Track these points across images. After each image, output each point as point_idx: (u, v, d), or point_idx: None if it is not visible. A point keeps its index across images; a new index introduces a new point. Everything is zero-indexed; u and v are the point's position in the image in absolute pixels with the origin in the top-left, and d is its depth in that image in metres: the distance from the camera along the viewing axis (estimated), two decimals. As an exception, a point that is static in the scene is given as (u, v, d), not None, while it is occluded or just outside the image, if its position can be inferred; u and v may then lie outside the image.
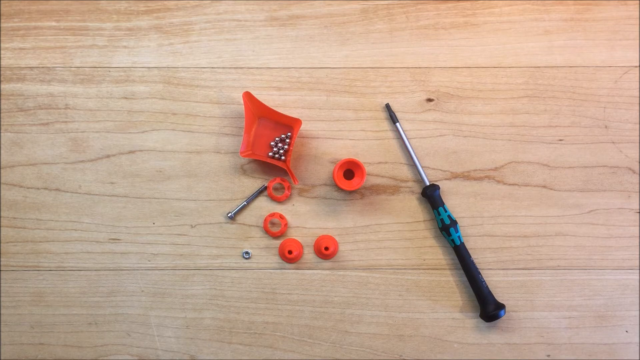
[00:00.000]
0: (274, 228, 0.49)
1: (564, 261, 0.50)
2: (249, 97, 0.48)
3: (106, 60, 0.51)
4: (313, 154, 0.50)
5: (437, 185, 0.49)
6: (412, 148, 0.49)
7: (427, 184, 0.49)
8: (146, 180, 0.50)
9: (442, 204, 0.48)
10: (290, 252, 0.48)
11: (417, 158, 0.49)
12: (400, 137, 0.50)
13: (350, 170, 0.49)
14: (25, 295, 0.50)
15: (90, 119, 0.51)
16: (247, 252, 0.49)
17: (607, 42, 0.51)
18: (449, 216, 0.48)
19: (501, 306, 0.47)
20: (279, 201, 0.50)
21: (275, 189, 0.50)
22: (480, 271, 0.48)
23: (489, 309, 0.47)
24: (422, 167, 0.49)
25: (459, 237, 0.48)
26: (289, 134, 0.50)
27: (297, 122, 0.48)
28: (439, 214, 0.48)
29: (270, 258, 0.50)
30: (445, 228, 0.48)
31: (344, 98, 0.51)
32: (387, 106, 0.50)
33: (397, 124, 0.49)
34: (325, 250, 0.48)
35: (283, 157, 0.49)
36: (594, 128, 0.50)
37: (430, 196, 0.48)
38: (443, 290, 0.50)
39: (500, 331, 0.50)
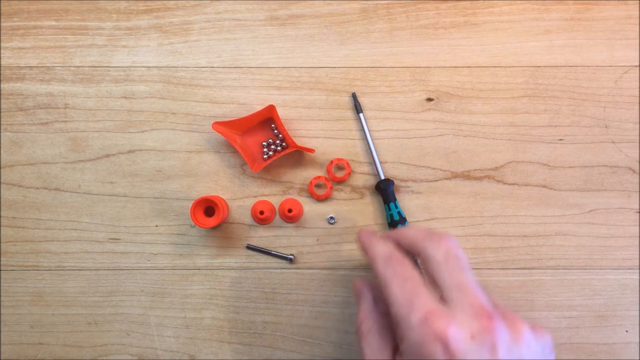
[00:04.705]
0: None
1: (564, 261, 0.50)
2: (218, 126, 0.48)
3: (106, 59, 0.51)
4: (313, 154, 0.50)
5: (392, 181, 0.49)
6: (372, 140, 0.50)
7: (382, 177, 0.49)
8: (146, 179, 0.50)
9: (394, 199, 0.48)
10: (261, 212, 0.48)
11: (375, 150, 0.49)
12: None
13: (210, 207, 0.49)
14: (25, 295, 0.50)
15: (89, 119, 0.51)
16: (332, 217, 0.49)
17: (607, 41, 0.51)
18: (399, 212, 0.48)
19: None
20: (319, 199, 0.50)
21: (318, 186, 0.50)
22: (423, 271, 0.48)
23: None
24: (380, 161, 0.49)
25: None
26: (273, 125, 0.50)
27: (270, 109, 0.48)
28: (389, 210, 0.48)
29: (270, 257, 0.50)
30: (394, 224, 0.48)
31: (343, 98, 0.51)
32: (353, 95, 0.50)
33: (361, 114, 0.49)
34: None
35: (284, 144, 0.50)
36: (594, 128, 0.50)
37: (384, 190, 0.48)
38: (443, 290, 0.50)
39: (500, 331, 0.49)
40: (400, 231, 0.39)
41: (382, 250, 0.37)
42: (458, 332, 0.30)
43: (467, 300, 0.32)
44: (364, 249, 0.38)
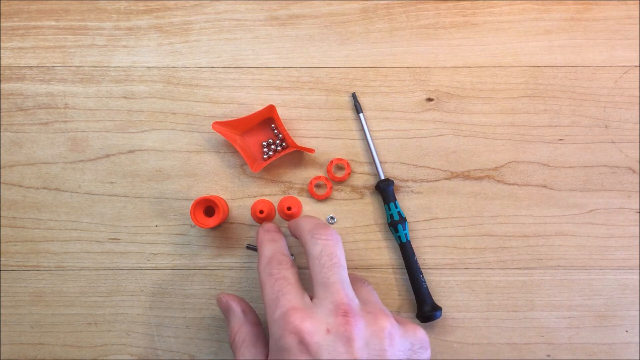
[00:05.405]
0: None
1: (564, 261, 0.50)
2: (218, 126, 0.48)
3: (106, 59, 0.51)
4: (313, 154, 0.50)
5: (392, 181, 0.49)
6: (372, 140, 0.50)
7: (382, 177, 0.49)
8: (146, 179, 0.50)
9: (394, 199, 0.48)
10: (261, 211, 0.48)
11: (375, 150, 0.50)
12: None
13: (210, 207, 0.49)
14: (25, 295, 0.50)
15: (89, 119, 0.51)
16: (332, 217, 0.49)
17: (607, 41, 0.51)
18: (399, 212, 0.48)
19: (437, 308, 0.48)
20: (319, 199, 0.50)
21: (318, 186, 0.50)
22: (423, 271, 0.48)
23: (425, 309, 0.48)
24: (380, 161, 0.49)
25: (405, 234, 0.48)
26: (273, 125, 0.50)
27: (270, 109, 0.48)
28: (389, 209, 0.48)
29: (270, 258, 0.50)
30: (394, 224, 0.48)
31: (343, 98, 0.51)
32: (353, 95, 0.50)
33: (361, 114, 0.49)
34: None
35: (284, 144, 0.50)
36: (594, 128, 0.50)
37: (384, 190, 0.49)
38: (443, 290, 0.50)
39: (500, 331, 0.50)
40: (295, 222, 0.41)
41: (266, 252, 0.39)
42: (313, 326, 0.32)
43: (330, 297, 0.34)
44: (258, 249, 0.41)
